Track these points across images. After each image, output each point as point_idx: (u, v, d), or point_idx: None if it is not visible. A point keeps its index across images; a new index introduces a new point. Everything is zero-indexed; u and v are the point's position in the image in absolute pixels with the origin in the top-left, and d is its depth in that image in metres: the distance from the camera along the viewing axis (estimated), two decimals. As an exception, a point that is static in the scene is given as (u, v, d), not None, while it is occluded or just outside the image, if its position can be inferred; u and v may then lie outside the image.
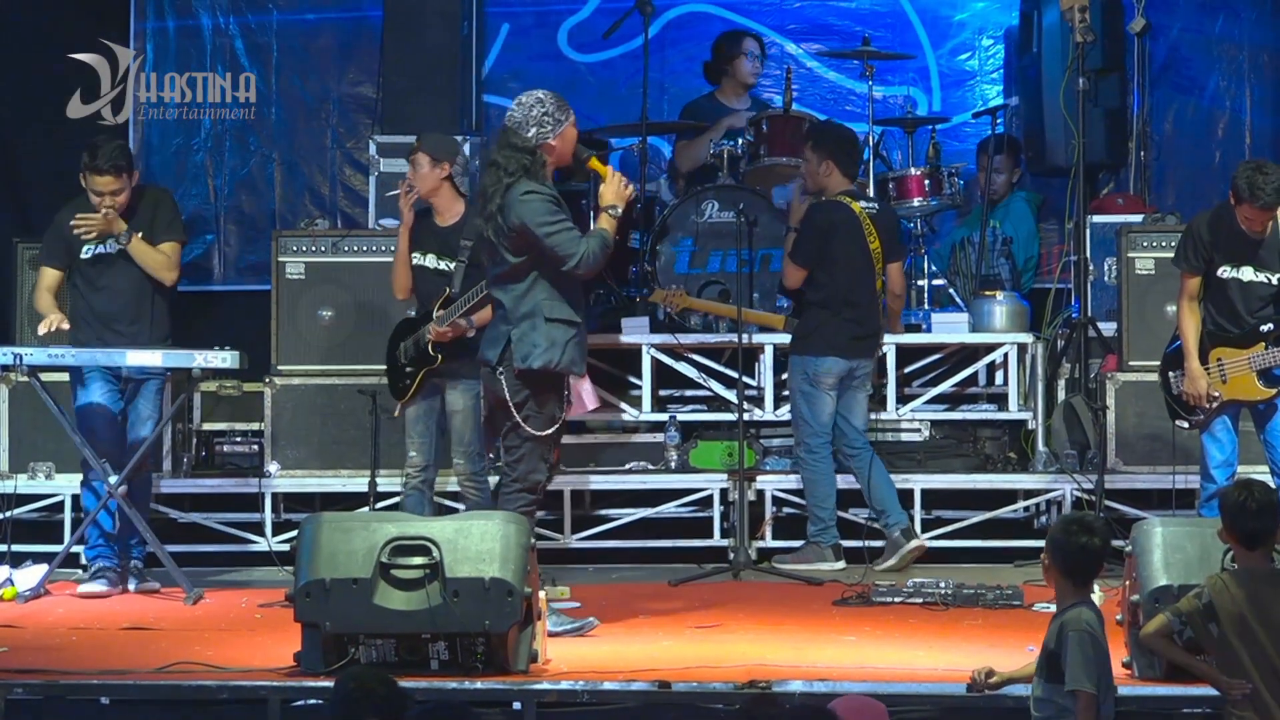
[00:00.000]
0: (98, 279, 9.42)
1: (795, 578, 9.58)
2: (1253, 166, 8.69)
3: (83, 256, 9.42)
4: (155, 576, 9.53)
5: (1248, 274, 8.84)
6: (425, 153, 9.42)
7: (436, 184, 9.44)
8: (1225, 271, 8.84)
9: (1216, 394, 8.81)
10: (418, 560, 7.17)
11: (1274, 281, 8.81)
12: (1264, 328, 8.80)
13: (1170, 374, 8.99)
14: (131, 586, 9.38)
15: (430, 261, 9.42)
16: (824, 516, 9.90)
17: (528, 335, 7.99)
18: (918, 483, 10.27)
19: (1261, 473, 8.86)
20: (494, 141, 8.39)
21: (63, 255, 9.46)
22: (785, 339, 10.52)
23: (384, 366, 9.62)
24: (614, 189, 8.17)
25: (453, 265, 9.32)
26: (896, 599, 8.87)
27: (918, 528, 10.15)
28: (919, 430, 10.69)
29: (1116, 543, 8.89)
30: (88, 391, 9.39)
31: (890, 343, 10.54)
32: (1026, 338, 10.66)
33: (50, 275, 9.49)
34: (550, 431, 8.05)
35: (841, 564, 9.80)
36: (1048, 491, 10.33)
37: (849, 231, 9.92)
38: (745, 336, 10.01)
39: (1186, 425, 8.96)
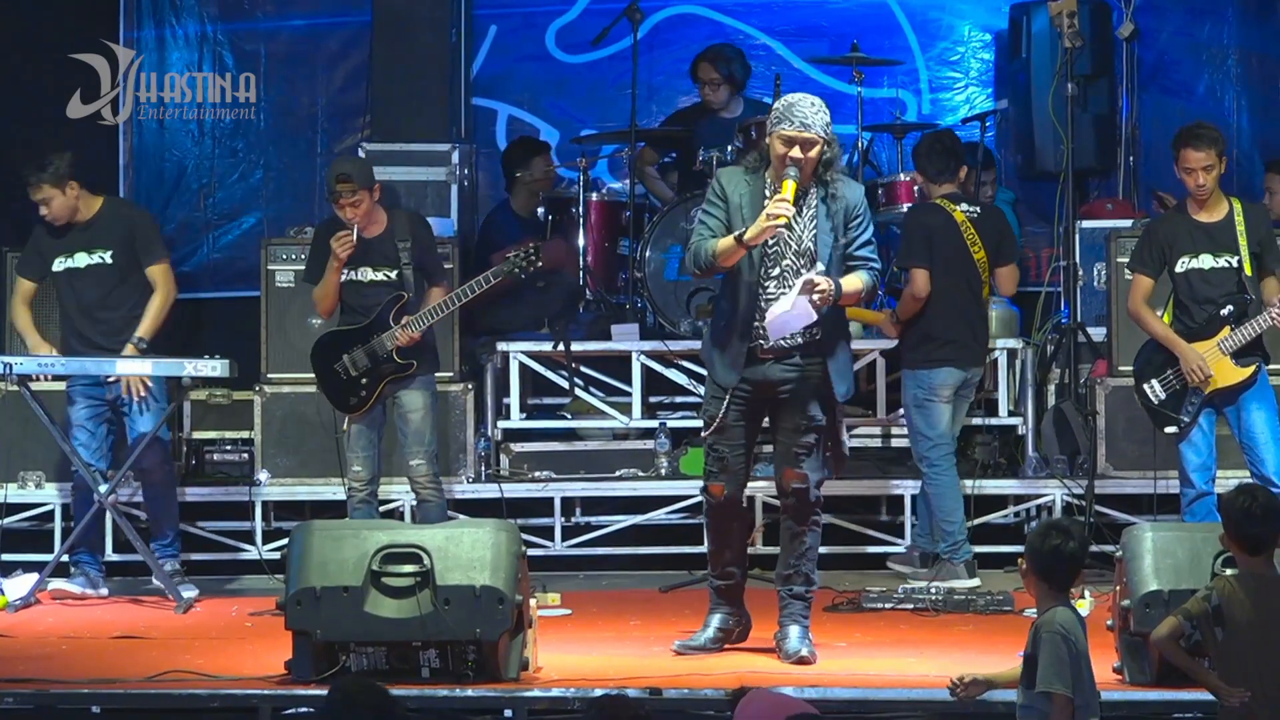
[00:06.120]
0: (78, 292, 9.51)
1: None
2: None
3: (55, 269, 9.52)
4: (149, 587, 9.60)
5: (1207, 261, 8.80)
6: (365, 186, 9.12)
7: (372, 206, 9.24)
8: (1184, 263, 8.79)
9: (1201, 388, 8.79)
10: (408, 568, 7.18)
11: (1234, 264, 8.79)
12: (1223, 312, 8.76)
13: (1145, 386, 8.92)
14: (191, 593, 9.40)
15: (366, 275, 9.13)
16: (953, 531, 9.55)
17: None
18: (908, 488, 10.24)
19: (1240, 476, 8.84)
20: None
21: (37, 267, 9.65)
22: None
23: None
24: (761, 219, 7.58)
25: (394, 274, 9.15)
26: (887, 605, 8.88)
27: (907, 533, 10.17)
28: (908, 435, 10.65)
29: (1107, 548, 8.94)
30: (74, 411, 9.48)
31: (876, 348, 10.55)
32: (1016, 343, 10.64)
33: (25, 286, 9.71)
34: (709, 432, 7.80)
35: (976, 580, 9.45)
36: (1038, 497, 10.32)
37: (947, 237, 9.61)
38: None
39: (1176, 430, 8.90)
